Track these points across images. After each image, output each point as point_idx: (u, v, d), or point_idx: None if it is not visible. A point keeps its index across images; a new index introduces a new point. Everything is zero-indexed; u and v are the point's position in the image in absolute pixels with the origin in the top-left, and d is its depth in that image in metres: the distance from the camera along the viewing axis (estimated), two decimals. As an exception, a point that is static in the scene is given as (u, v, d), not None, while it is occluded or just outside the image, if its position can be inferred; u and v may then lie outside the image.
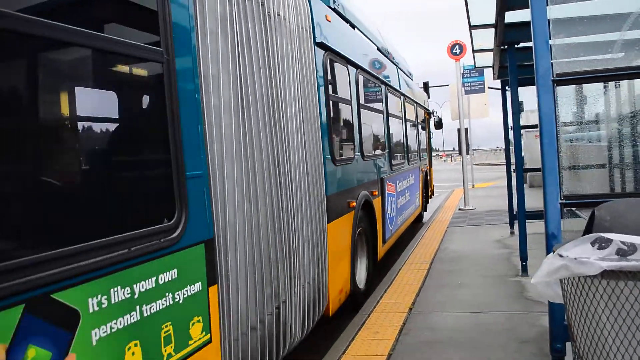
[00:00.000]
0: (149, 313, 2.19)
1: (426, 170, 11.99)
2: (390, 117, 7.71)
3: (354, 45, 5.94)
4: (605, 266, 2.10)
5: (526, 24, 5.80)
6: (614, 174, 4.49)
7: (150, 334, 2.20)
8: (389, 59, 8.37)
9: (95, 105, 2.18)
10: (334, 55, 4.99)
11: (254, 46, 3.32)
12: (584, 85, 3.95)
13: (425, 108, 12.54)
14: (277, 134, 3.58)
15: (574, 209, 3.48)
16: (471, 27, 5.97)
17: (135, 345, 2.11)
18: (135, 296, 2.12)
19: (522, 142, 15.85)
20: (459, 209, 12.49)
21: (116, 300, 2.03)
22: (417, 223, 10.91)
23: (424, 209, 11.55)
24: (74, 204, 2.02)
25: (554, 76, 3.09)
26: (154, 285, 2.23)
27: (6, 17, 1.62)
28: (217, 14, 2.94)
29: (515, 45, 5.95)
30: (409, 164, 9.19)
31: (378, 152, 6.86)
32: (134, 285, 2.12)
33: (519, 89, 6.36)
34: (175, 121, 2.40)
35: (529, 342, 4.18)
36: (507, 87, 8.80)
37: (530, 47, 6.77)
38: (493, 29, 5.91)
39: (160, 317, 2.25)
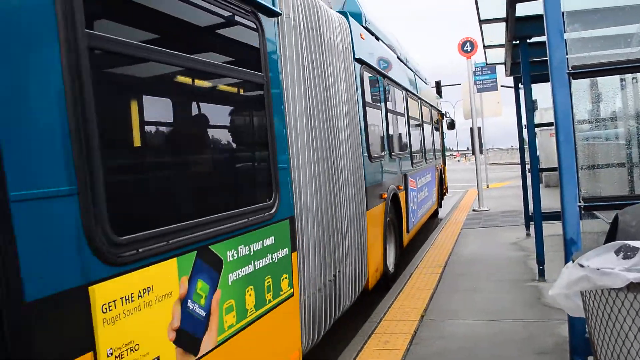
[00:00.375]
0: (258, 267, 2.96)
1: (441, 169, 12.81)
2: (410, 120, 8.53)
3: (381, 57, 6.71)
4: (632, 278, 1.88)
5: (539, 18, 5.57)
6: (634, 175, 4.24)
7: (259, 282, 2.96)
8: (407, 66, 9.08)
9: (227, 117, 3.15)
10: (367, 68, 5.84)
11: (314, 65, 4.19)
12: (599, 80, 3.72)
13: (438, 110, 13.28)
14: (331, 135, 4.44)
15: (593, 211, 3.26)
16: (481, 22, 5.75)
17: (251, 289, 2.87)
18: (251, 253, 2.89)
19: (537, 141, 15.57)
20: (473, 210, 12.23)
21: (241, 255, 2.80)
22: (434, 218, 11.45)
23: (439, 205, 12.13)
24: (218, 188, 2.94)
25: (569, 69, 2.88)
26: (260, 247, 2.99)
27: (159, 53, 2.31)
28: (292, 43, 3.81)
29: (528, 40, 5.73)
30: (426, 163, 9.89)
31: (401, 151, 7.59)
32: (250, 245, 2.88)
33: (533, 86, 6.18)
34: (271, 127, 3.22)
35: (546, 353, 3.94)
36: (520, 85, 8.59)
37: (543, 42, 6.52)
38: (504, 23, 5.69)
39: (264, 271, 3.02)
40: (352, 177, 4.93)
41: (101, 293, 1.87)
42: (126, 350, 1.96)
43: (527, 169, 8.93)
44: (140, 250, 2.07)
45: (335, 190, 4.46)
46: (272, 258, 3.11)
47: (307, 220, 3.88)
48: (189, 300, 2.33)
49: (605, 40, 3.95)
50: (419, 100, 9.88)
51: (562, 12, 2.95)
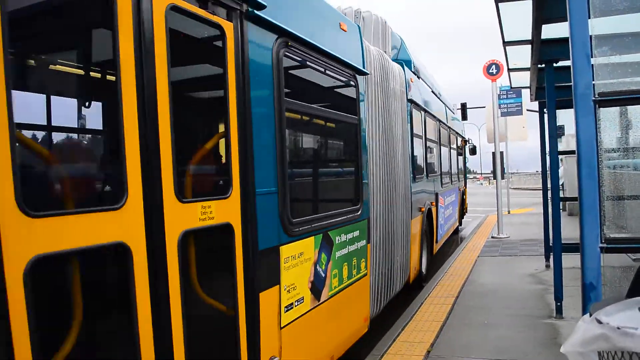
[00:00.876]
0: (350, 250, 4.21)
1: (462, 190, 14.23)
2: (441, 146, 9.95)
3: (423, 94, 8.09)
4: (659, 343, 1.61)
5: (565, 40, 5.30)
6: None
7: (349, 261, 4.21)
8: (439, 99, 10.36)
9: (338, 147, 4.74)
10: (415, 105, 7.19)
11: (383, 108, 5.59)
12: (630, 109, 3.43)
13: (462, 136, 14.93)
14: (391, 160, 5.82)
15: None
16: (505, 44, 5.48)
17: (346, 265, 4.12)
18: (347, 240, 4.14)
19: (562, 168, 15.10)
20: (492, 237, 11.83)
21: (342, 240, 4.05)
22: (455, 234, 12.55)
23: (460, 223, 13.46)
24: (333, 195, 4.35)
25: (596, 96, 2.61)
26: (351, 237, 4.26)
27: (303, 106, 3.72)
28: (372, 93, 5.24)
29: (554, 64, 5.45)
30: (452, 184, 11.28)
31: (434, 173, 8.90)
32: (347, 235, 4.14)
33: (560, 111, 5.89)
34: (360, 154, 4.56)
35: (561, 402, 3.61)
36: (545, 109, 8.27)
37: (569, 67, 6.18)
38: (529, 46, 5.42)
39: (352, 254, 4.27)
40: (402, 193, 6.29)
41: (284, 251, 3.19)
42: (291, 288, 3.25)
43: (549, 197, 8.61)
44: (300, 229, 3.37)
45: (393, 201, 5.86)
46: (357, 246, 4.43)
47: (376, 221, 5.25)
48: (317, 265, 3.63)
49: (637, 67, 3.67)
50: (448, 129, 11.30)
51: (590, 36, 2.69)
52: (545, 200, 8.34)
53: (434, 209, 8.43)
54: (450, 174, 11.20)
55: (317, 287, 3.61)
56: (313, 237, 3.55)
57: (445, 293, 6.71)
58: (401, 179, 6.20)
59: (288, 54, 3.32)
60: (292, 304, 3.28)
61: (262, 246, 2.93)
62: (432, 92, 9.35)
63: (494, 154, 13.71)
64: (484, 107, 19.58)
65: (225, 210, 2.66)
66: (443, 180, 9.75)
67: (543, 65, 5.59)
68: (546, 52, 5.03)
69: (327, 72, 3.94)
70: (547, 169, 7.69)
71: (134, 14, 2.15)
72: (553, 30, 4.84)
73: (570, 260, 6.09)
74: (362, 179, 4.58)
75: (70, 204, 2.08)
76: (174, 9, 2.36)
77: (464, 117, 23.98)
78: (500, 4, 4.28)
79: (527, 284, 7.16)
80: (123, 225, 2.08)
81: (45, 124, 2.65)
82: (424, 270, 7.82)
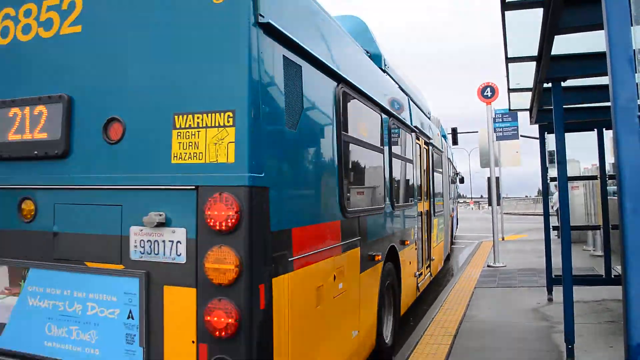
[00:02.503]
0: (440, 227, 9.75)
1: (452, 215, 15.82)
2: (445, 177, 11.72)
3: (440, 141, 10.46)
4: None
5: (577, 57, 4.84)
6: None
7: (441, 231, 9.93)
8: (445, 138, 12.16)
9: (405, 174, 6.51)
10: (435, 148, 9.43)
11: (436, 163, 9.34)
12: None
13: (454, 166, 16.80)
14: (434, 192, 8.93)
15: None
16: (508, 60, 5.02)
17: (436, 232, 9.09)
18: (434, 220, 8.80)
19: (555, 195, 14.71)
20: (488, 266, 11.27)
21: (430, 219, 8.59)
22: (446, 262, 12.67)
23: (449, 247, 13.97)
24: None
25: (642, 111, 2.10)
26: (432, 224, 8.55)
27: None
28: (427, 154, 8.39)
29: (562, 83, 4.99)
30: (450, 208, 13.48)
31: (438, 199, 10.00)
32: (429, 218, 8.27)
33: (549, 136, 5.44)
34: (430, 184, 8.54)
35: None
36: (546, 133, 7.81)
37: (578, 87, 5.66)
38: (534, 63, 4.96)
39: (443, 229, 10.24)
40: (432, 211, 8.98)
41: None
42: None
43: (550, 225, 8.09)
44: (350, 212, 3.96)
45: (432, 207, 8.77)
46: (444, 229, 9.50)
47: (430, 234, 8.57)
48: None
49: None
50: (448, 161, 12.99)
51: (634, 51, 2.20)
52: (548, 228, 7.83)
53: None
54: (450, 201, 13.02)
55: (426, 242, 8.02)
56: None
57: (442, 331, 6.12)
58: (438, 202, 9.69)
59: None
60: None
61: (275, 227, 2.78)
62: (443, 136, 11.56)
63: (489, 179, 13.24)
64: (476, 131, 19.21)
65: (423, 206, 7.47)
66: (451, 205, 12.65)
67: (549, 85, 5.14)
68: (556, 68, 4.56)
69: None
70: (552, 197, 7.17)
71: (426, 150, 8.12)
72: (563, 46, 4.39)
73: (575, 294, 5.55)
74: (433, 202, 8.74)
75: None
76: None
77: (455, 142, 23.53)
78: (507, 12, 3.82)
79: (531, 320, 6.56)
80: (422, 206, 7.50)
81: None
82: (440, 268, 10.41)
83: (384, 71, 5.69)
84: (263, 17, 2.44)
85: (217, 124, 2.33)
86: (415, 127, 7.24)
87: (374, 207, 4.59)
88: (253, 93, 2.33)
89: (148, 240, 2.46)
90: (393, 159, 5.50)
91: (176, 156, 2.41)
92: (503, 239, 17.83)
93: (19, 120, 2.79)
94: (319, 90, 3.26)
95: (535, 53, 4.72)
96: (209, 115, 2.37)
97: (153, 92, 2.53)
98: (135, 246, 2.50)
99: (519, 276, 9.89)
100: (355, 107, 4.04)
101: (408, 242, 6.34)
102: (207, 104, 2.40)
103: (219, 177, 2.34)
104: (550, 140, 7.25)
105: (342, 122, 3.61)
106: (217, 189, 2.33)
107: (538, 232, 9.11)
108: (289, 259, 2.69)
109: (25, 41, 2.86)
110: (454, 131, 21.18)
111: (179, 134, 2.41)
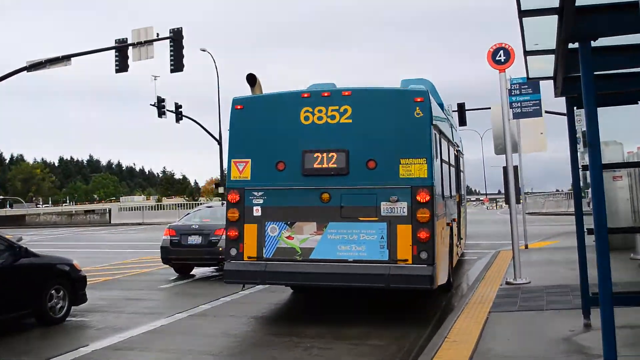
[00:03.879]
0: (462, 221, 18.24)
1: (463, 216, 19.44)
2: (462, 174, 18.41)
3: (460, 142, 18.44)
4: None
5: (611, 8, 4.90)
6: None
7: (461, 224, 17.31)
8: (460, 143, 18.29)
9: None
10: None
11: (461, 164, 17.99)
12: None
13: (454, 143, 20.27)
14: (460, 193, 16.69)
15: None
16: (522, 13, 5.06)
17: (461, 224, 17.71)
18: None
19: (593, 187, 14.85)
20: (507, 283, 11.42)
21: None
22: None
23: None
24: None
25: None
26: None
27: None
28: (457, 159, 15.97)
29: (592, 42, 5.05)
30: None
31: (461, 192, 16.33)
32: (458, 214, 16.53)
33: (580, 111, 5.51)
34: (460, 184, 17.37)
35: None
36: (575, 108, 7.91)
37: (613, 48, 5.74)
38: (556, 16, 5.02)
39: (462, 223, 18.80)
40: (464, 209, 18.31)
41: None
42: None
43: (584, 228, 8.17)
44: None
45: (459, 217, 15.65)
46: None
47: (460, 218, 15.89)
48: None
49: None
50: (462, 157, 18.06)
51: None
52: (581, 232, 7.91)
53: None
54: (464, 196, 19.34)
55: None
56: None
57: (448, 371, 6.17)
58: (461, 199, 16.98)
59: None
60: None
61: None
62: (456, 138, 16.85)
63: (505, 169, 13.40)
64: (489, 108, 19.43)
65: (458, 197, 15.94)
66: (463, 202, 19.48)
67: (575, 45, 5.20)
68: (583, 23, 4.61)
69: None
70: (585, 190, 7.27)
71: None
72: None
73: (621, 316, 5.64)
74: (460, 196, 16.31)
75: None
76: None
77: (462, 122, 24.01)
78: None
79: (563, 355, 6.63)
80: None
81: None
82: (457, 258, 15.13)
83: (445, 112, 13.31)
84: (434, 124, 10.12)
85: (418, 162, 9.63)
86: (455, 143, 14.82)
87: (451, 195, 12.85)
88: (430, 151, 9.70)
89: (390, 207, 9.66)
90: (451, 167, 12.99)
91: (402, 174, 9.68)
92: (526, 247, 18.10)
93: (320, 159, 10.18)
94: (441, 144, 11.18)
95: (556, 4, 4.76)
96: (415, 159, 9.70)
97: (389, 148, 9.82)
98: (384, 209, 9.67)
99: (547, 295, 10.03)
100: (445, 144, 12.00)
101: (455, 219, 14.04)
102: (414, 154, 9.72)
103: (420, 182, 9.57)
104: (583, 117, 7.31)
105: (441, 152, 11.17)
106: (420, 187, 9.54)
107: (572, 237, 9.31)
108: (438, 214, 10.21)
109: (319, 124, 10.18)
110: (461, 108, 21.63)
111: (402, 165, 9.71)
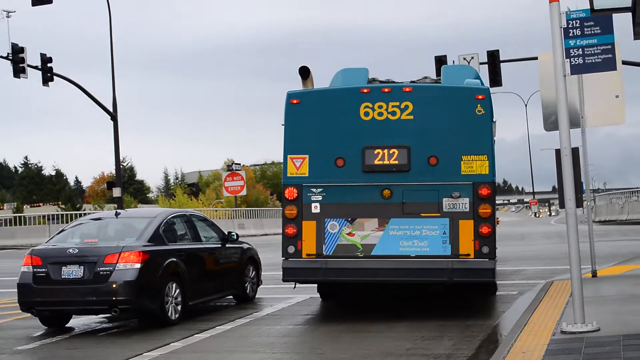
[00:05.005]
0: None
1: None
2: None
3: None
4: None
5: None
6: None
7: None
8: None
9: None
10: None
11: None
12: None
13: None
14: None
15: None
16: None
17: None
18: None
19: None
20: (562, 331, 11.51)
21: None
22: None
23: None
24: None
25: None
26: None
27: None
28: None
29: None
30: None
31: None
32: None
33: None
34: None
35: None
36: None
37: None
38: None
39: None
40: None
41: None
42: None
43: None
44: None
45: None
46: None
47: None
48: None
49: None
50: None
51: None
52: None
53: None
54: None
55: None
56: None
57: None
58: None
59: None
60: None
61: None
62: None
63: (558, 154, 13.38)
64: (534, 58, 19.50)
65: None
66: None
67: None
68: None
69: None
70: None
71: None
72: None
73: None
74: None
75: None
76: None
77: (495, 81, 24.50)
78: None
79: None
80: None
81: None
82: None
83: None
84: (494, 120, 16.97)
85: (480, 159, 15.39)
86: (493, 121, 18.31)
87: None
88: (491, 148, 15.78)
89: (452, 203, 15.21)
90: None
91: (463, 171, 15.38)
92: (594, 274, 18.30)
93: (381, 155, 15.55)
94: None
95: None
96: (476, 155, 15.42)
97: (451, 144, 15.50)
98: (446, 205, 15.26)
99: (625, 351, 10.07)
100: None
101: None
102: (476, 150, 15.49)
103: (482, 178, 15.31)
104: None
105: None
106: (482, 183, 15.19)
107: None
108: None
109: (379, 120, 15.55)
110: (493, 59, 21.92)
111: (464, 161, 15.38)
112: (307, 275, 15.30)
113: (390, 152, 15.13)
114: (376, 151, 15.07)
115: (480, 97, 15.11)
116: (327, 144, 15.47)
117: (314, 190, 15.24)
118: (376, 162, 15.18)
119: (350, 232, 14.89)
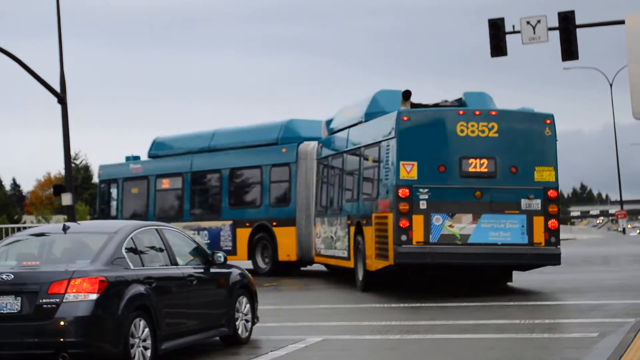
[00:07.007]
0: None
1: None
2: None
3: None
4: None
5: None
6: None
7: None
8: None
9: None
10: None
11: None
12: None
13: None
14: None
15: None
16: None
17: None
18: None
19: None
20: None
21: None
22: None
23: None
24: None
25: None
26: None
27: None
28: None
29: None
30: None
31: None
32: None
33: None
34: None
35: None
36: None
37: None
38: None
39: None
40: None
41: None
42: None
43: None
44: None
45: None
46: None
47: None
48: None
49: None
50: None
51: None
52: None
53: None
54: None
55: None
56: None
57: None
58: None
59: None
60: None
61: None
62: None
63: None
64: (621, 22, 19.50)
65: None
66: None
67: None
68: None
69: None
70: None
71: None
72: None
73: None
74: None
75: None
76: None
77: (569, 54, 24.86)
78: None
79: None
80: None
81: None
82: None
83: None
84: (557, 138, 34.31)
85: (548, 169, 33.97)
86: None
87: None
88: (556, 161, 34.00)
89: (528, 203, 31.98)
90: None
91: (536, 178, 33.41)
92: None
93: (474, 164, 32.52)
94: None
95: None
96: (546, 167, 34.09)
97: (527, 157, 33.85)
98: (523, 204, 32.24)
99: None
100: None
101: None
102: (545, 163, 34.15)
103: (550, 184, 34.25)
104: None
105: None
106: (550, 188, 33.00)
107: None
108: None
109: (472, 136, 32.88)
110: (566, 23, 22.49)
111: (536, 171, 33.91)
112: (418, 258, 25.78)
113: (481, 161, 26.21)
114: (470, 160, 26.10)
115: (548, 121, 27.19)
116: (431, 153, 25.49)
117: (422, 190, 25.74)
118: (470, 169, 26.02)
119: (451, 224, 25.37)
